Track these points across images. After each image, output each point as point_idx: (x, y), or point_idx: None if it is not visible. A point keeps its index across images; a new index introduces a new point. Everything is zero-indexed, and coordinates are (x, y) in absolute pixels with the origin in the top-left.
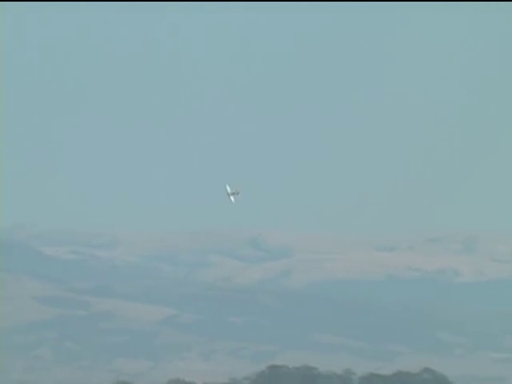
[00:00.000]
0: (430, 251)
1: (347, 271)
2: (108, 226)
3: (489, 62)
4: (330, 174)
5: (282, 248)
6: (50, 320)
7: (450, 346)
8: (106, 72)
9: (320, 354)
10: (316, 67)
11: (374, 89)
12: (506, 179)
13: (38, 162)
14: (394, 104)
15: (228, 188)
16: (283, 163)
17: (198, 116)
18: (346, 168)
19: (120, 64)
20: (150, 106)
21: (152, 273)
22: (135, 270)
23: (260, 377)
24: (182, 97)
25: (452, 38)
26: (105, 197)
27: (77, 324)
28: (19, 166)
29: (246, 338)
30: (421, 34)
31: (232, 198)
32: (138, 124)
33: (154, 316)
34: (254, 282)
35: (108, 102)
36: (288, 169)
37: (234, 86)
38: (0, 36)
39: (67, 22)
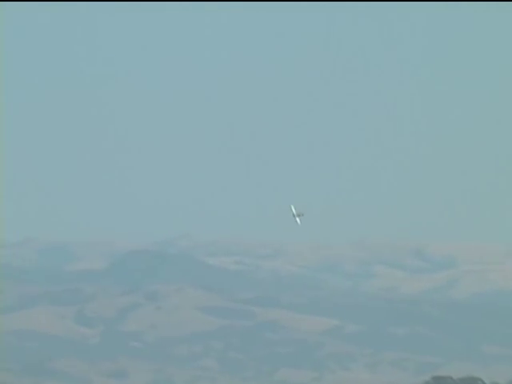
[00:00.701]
0: None
1: None
2: (272, 236)
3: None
4: (495, 182)
5: (446, 258)
6: (214, 330)
7: None
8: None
9: (485, 364)
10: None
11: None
12: None
13: (196, 171)
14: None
15: (293, 209)
16: (443, 175)
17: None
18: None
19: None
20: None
21: (316, 283)
22: (299, 280)
23: None
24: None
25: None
26: (268, 207)
27: (241, 334)
28: (180, 177)
29: (410, 348)
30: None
31: (298, 220)
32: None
33: (318, 326)
34: (418, 292)
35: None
36: (452, 180)
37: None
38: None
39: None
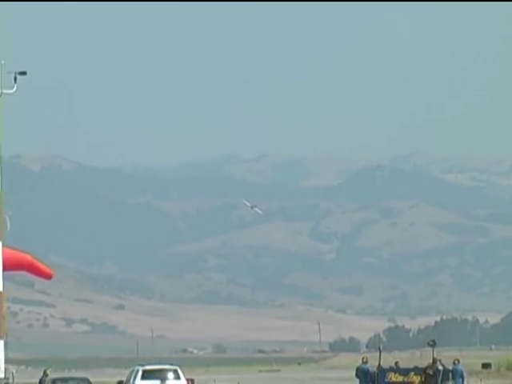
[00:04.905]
0: None
1: None
2: (509, 152)
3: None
4: None
5: None
6: (449, 247)
7: None
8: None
9: None
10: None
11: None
12: None
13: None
14: None
15: (247, 203)
16: None
17: None
18: None
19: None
20: None
21: None
22: None
23: None
24: None
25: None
26: (503, 122)
27: (477, 251)
28: (412, 91)
29: None
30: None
31: (258, 210)
32: None
33: None
34: None
35: None
36: None
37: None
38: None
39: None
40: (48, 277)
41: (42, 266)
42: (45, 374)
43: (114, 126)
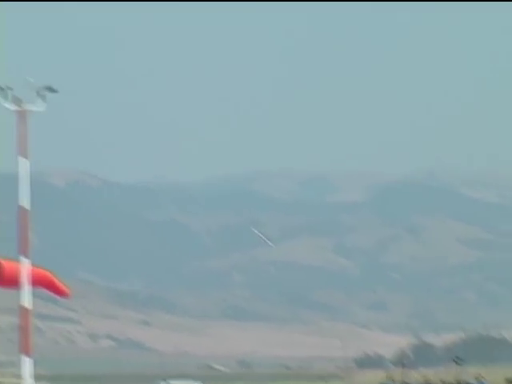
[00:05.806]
0: None
1: None
2: None
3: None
4: None
5: None
6: (474, 262)
7: None
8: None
9: None
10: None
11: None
12: None
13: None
14: None
15: (257, 233)
16: None
17: None
18: None
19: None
20: None
21: None
22: None
23: None
24: None
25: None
26: None
27: (501, 266)
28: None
29: None
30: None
31: (267, 241)
32: None
33: None
34: None
35: None
36: None
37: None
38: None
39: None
40: (64, 295)
41: (60, 285)
42: None
43: (139, 142)
